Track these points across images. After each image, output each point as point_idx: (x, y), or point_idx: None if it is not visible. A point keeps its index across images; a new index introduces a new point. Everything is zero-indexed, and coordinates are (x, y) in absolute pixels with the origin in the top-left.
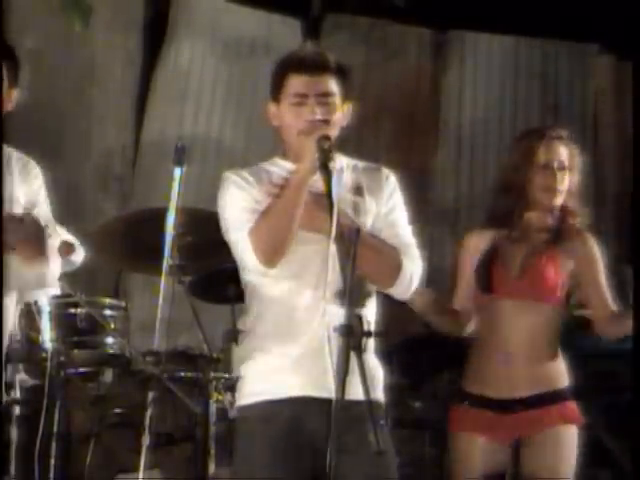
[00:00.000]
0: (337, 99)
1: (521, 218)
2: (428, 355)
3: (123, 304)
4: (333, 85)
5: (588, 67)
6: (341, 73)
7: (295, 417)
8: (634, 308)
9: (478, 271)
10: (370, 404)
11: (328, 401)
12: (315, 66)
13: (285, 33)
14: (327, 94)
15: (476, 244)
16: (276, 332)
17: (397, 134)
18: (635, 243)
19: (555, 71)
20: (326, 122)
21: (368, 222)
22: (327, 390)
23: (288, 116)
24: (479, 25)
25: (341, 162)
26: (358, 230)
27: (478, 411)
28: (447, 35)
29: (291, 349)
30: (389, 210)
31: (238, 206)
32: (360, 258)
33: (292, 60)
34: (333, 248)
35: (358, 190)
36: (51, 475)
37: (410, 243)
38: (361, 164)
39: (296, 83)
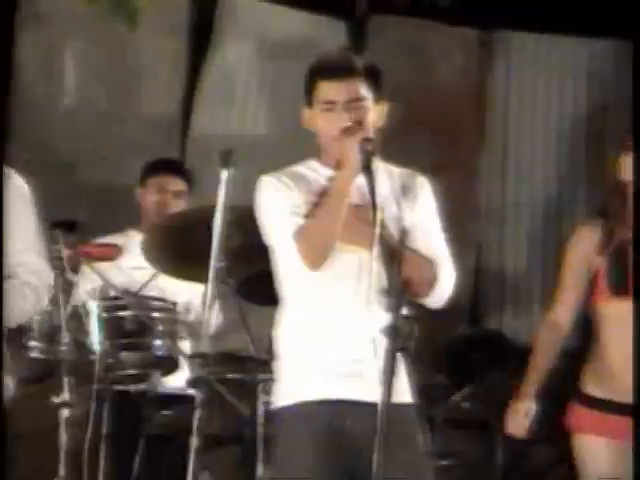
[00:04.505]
0: (368, 102)
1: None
2: (477, 355)
3: (171, 306)
4: (362, 89)
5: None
6: (371, 75)
7: (335, 418)
8: (635, 307)
9: (611, 271)
10: (417, 406)
11: (368, 403)
12: (342, 72)
13: (330, 35)
14: (356, 99)
15: (587, 239)
16: (312, 334)
17: (443, 135)
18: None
19: (602, 70)
20: (359, 124)
21: (399, 226)
22: (367, 392)
23: (320, 122)
24: (525, 25)
25: (377, 166)
26: (404, 231)
27: (602, 414)
28: (493, 35)
29: (331, 352)
30: (423, 219)
31: (279, 210)
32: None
33: (320, 66)
34: (375, 250)
35: (393, 194)
36: (100, 477)
37: (445, 254)
38: (396, 169)
39: (325, 89)
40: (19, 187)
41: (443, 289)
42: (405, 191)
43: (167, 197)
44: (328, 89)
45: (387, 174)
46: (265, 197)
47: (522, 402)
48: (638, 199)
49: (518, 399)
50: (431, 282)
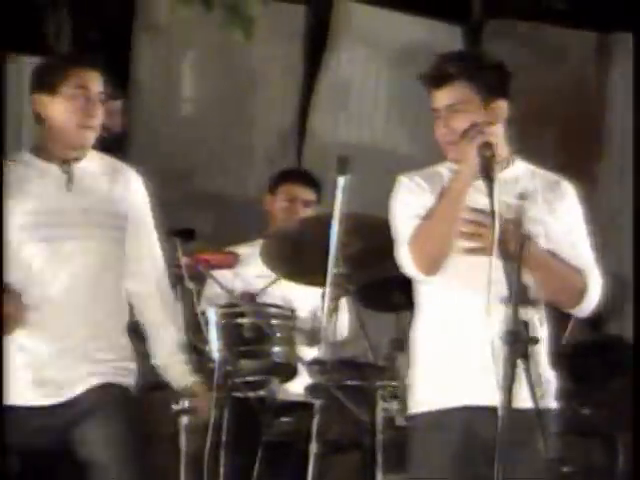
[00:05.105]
0: (471, 105)
1: None
2: (599, 361)
3: (289, 313)
4: (459, 93)
5: None
6: (472, 76)
7: (468, 425)
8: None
9: None
10: (539, 412)
11: (497, 409)
12: (436, 80)
13: (446, 39)
14: (454, 104)
15: None
16: (445, 340)
17: (561, 139)
18: None
19: None
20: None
21: (538, 230)
22: (496, 398)
23: (435, 129)
24: None
25: (518, 167)
26: (526, 236)
27: None
28: (611, 37)
29: (461, 357)
30: (569, 228)
31: (406, 214)
32: (545, 282)
33: (425, 76)
34: (497, 255)
35: (523, 196)
36: None
37: (593, 264)
38: (540, 171)
39: (432, 98)
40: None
41: (592, 298)
42: (546, 194)
43: (296, 205)
44: (433, 97)
45: (529, 174)
46: (396, 199)
47: None
48: (638, 201)
49: None
50: (581, 292)
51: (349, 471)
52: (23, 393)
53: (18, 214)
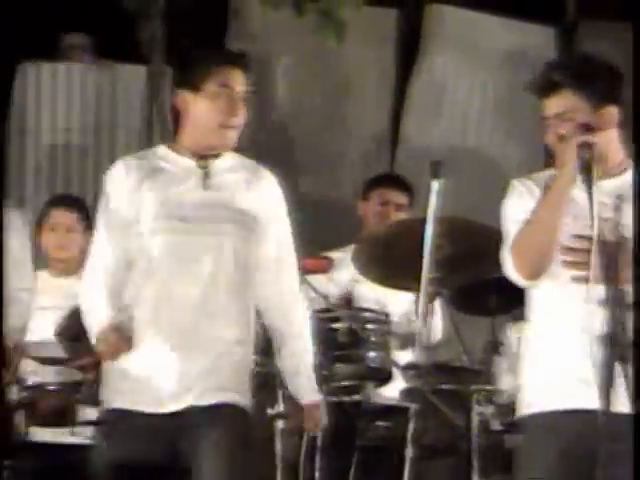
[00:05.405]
0: (580, 112)
1: None
2: None
3: (384, 317)
4: (568, 101)
5: None
6: (580, 84)
7: (582, 428)
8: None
9: None
10: (637, 417)
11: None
12: (544, 89)
13: (540, 42)
14: (564, 113)
15: None
16: (554, 342)
17: None
18: None
19: None
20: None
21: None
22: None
23: (545, 136)
24: None
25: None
26: (623, 237)
27: None
28: None
29: (571, 358)
30: None
31: (513, 217)
32: None
33: (532, 85)
34: (594, 257)
35: (620, 198)
36: None
37: None
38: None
39: (542, 106)
40: None
41: None
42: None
43: (389, 209)
44: (542, 105)
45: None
46: (506, 202)
47: None
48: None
49: None
50: None
51: (444, 476)
52: (135, 398)
53: (149, 205)
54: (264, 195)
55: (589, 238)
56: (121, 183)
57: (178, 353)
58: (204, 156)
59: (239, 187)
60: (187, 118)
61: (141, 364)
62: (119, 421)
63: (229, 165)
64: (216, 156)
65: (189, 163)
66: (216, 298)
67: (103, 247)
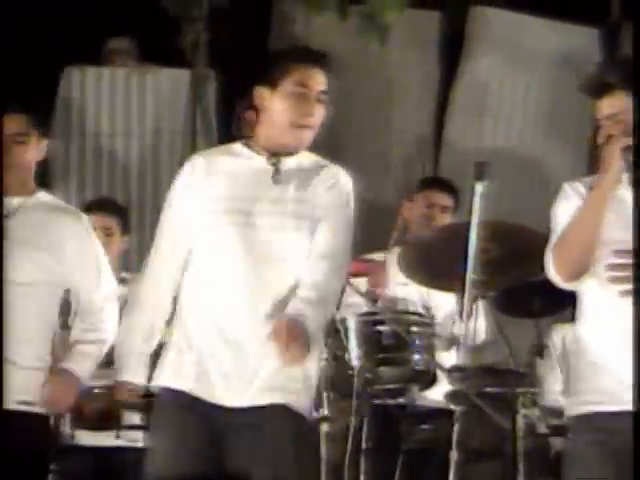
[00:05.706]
0: (629, 115)
1: None
2: None
3: (428, 320)
4: (621, 102)
5: None
6: (628, 86)
7: (628, 430)
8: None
9: None
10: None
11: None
12: (596, 90)
13: (584, 43)
14: (617, 114)
15: None
16: (603, 343)
17: None
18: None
19: None
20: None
21: None
22: None
23: (598, 138)
24: None
25: None
26: None
27: None
28: None
29: (619, 359)
30: None
31: (559, 219)
32: None
33: (584, 86)
34: None
35: None
36: None
37: None
38: None
39: (596, 107)
40: None
41: None
42: None
43: (435, 211)
44: (596, 107)
45: None
46: (555, 205)
47: None
48: (637, 194)
49: None
50: None
51: (490, 479)
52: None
53: (213, 198)
54: (332, 194)
55: (631, 251)
56: (189, 178)
57: (235, 352)
58: (277, 153)
59: (307, 184)
60: (264, 115)
61: (197, 358)
62: (175, 398)
63: (300, 163)
64: (289, 154)
65: (261, 160)
66: (275, 294)
67: (163, 245)
